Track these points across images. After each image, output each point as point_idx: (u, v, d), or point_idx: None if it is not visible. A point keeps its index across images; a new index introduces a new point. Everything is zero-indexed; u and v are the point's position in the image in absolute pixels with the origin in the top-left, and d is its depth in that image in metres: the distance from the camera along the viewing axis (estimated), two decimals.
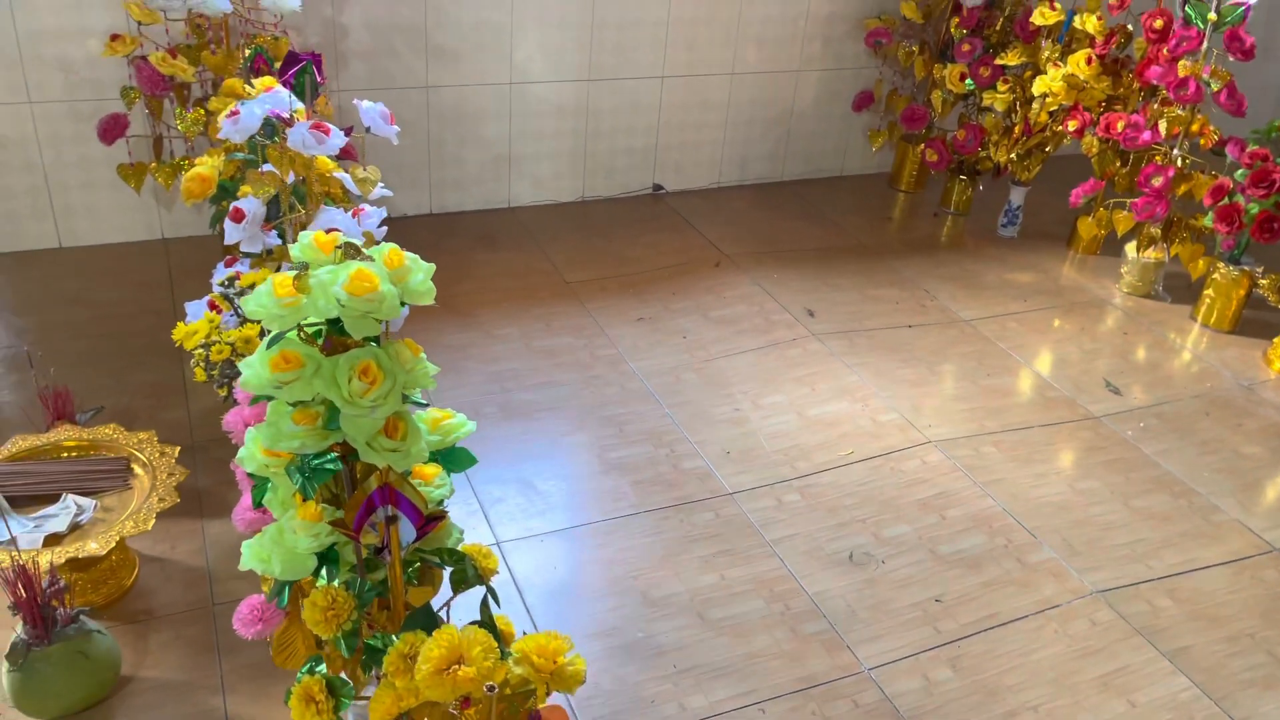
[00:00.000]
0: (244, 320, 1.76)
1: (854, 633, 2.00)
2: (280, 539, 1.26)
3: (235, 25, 2.76)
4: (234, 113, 1.83)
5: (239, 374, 1.67)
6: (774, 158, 4.00)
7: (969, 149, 3.67)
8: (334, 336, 1.26)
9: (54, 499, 1.89)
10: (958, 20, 3.62)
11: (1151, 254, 3.34)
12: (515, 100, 3.45)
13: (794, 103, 3.91)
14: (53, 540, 1.80)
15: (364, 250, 1.26)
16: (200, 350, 1.66)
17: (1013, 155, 3.61)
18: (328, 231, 1.79)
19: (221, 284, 1.77)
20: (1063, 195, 3.92)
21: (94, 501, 1.87)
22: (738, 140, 3.90)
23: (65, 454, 1.97)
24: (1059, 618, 2.07)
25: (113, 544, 1.75)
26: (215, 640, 1.87)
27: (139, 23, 2.61)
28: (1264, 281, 3.07)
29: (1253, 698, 1.91)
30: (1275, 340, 3.05)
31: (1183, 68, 3.09)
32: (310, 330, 1.26)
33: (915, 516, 2.32)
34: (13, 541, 1.72)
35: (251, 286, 1.74)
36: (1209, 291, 3.22)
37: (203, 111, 2.67)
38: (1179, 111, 3.17)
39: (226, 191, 2.24)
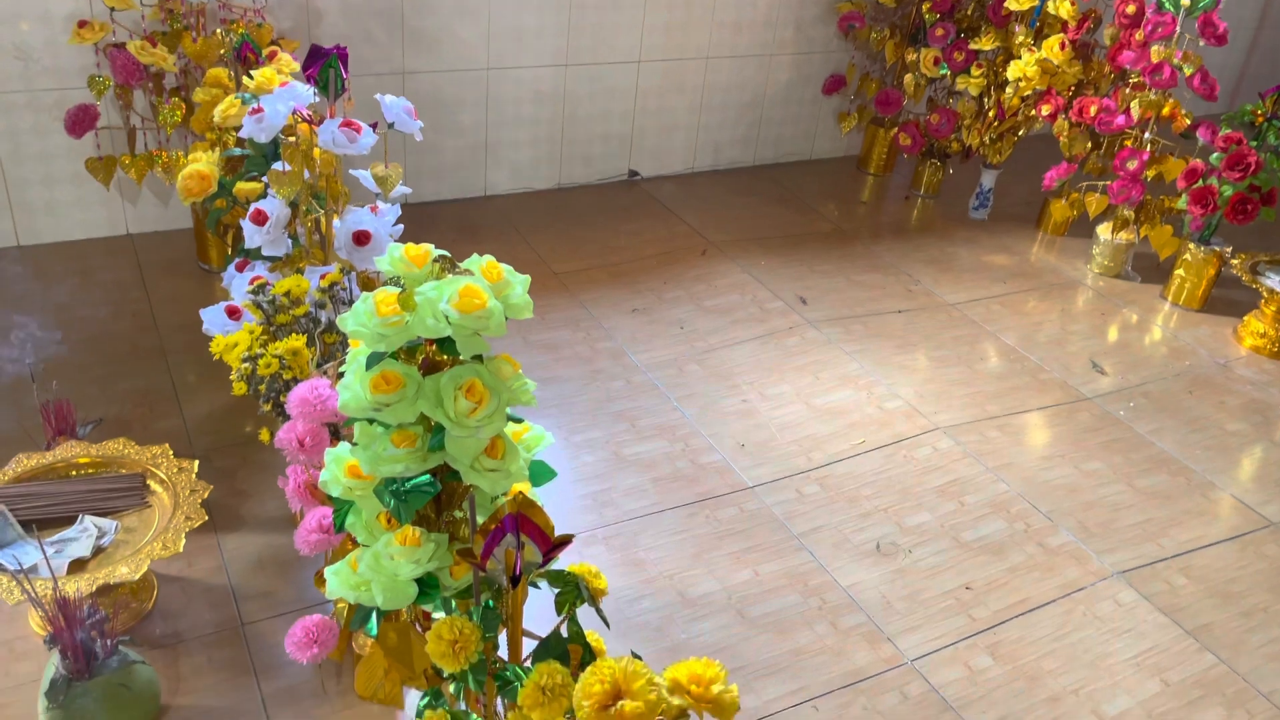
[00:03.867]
0: (276, 329, 1.67)
1: (892, 624, 2.02)
2: (379, 566, 1.20)
3: (212, 10, 2.62)
4: (257, 110, 1.74)
5: (287, 388, 1.59)
6: (746, 142, 3.99)
7: (943, 133, 3.71)
8: (431, 356, 1.20)
9: (68, 522, 1.78)
10: (929, 4, 3.65)
11: (1123, 235, 3.43)
12: (493, 86, 3.36)
13: (766, 87, 3.90)
14: (76, 566, 1.69)
15: (459, 264, 1.21)
16: (245, 365, 1.57)
17: (985, 139, 3.66)
18: (362, 237, 1.72)
19: (251, 291, 1.68)
20: (1029, 177, 4.01)
21: (115, 523, 1.77)
22: (711, 125, 3.87)
23: (75, 472, 1.86)
24: (1085, 600, 2.12)
25: (143, 568, 1.66)
26: (250, 662, 1.79)
27: (111, 8, 2.46)
28: (1235, 261, 3.18)
29: (1276, 671, 1.98)
30: (1245, 318, 3.17)
31: (1156, 53, 3.16)
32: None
33: (934, 504, 2.34)
34: (35, 570, 1.62)
35: (287, 294, 1.65)
36: (1180, 271, 3.32)
37: (181, 102, 2.53)
38: (1151, 96, 3.24)
39: (224, 189, 2.14)
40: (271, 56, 2.47)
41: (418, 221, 3.33)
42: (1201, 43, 3.15)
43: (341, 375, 1.58)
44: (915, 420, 2.62)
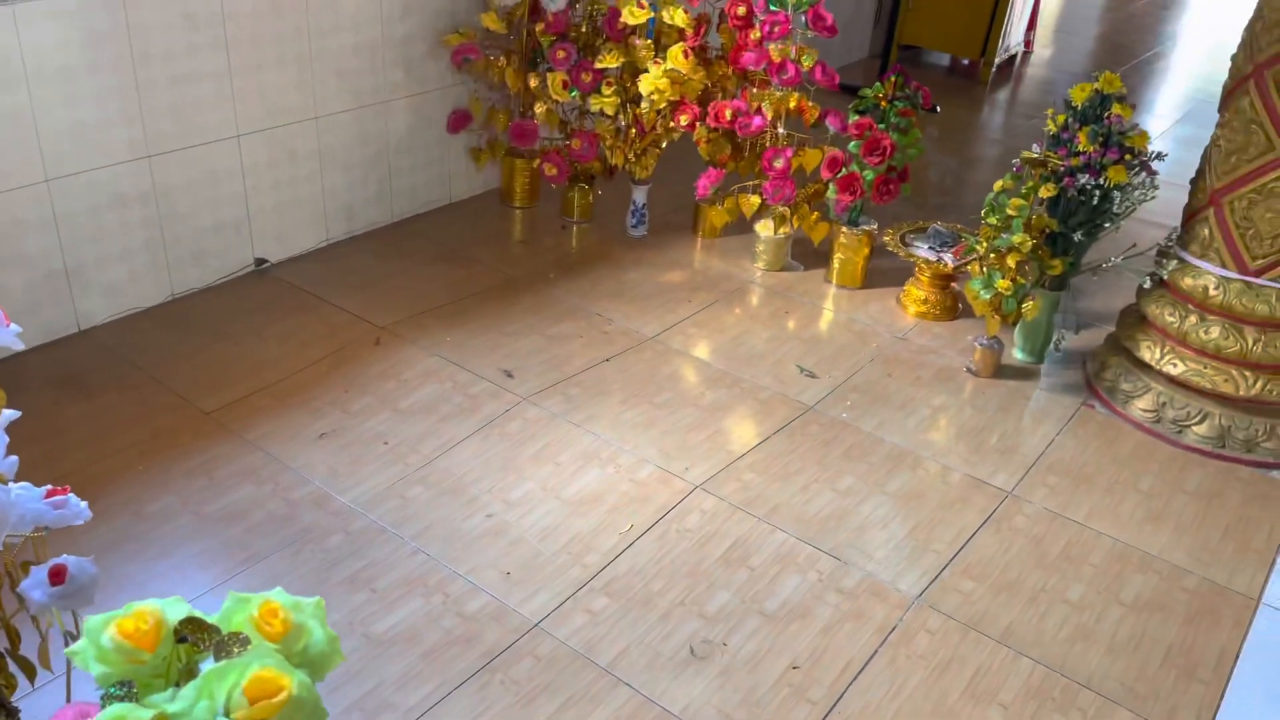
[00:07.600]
0: None
1: None
2: None
3: None
4: None
5: None
6: (381, 199, 3.57)
7: (587, 157, 3.55)
8: None
9: None
10: (542, 26, 3.44)
11: (782, 231, 3.48)
12: (58, 200, 2.67)
13: (388, 136, 3.50)
14: None
15: (209, 622, 0.79)
16: None
17: (630, 156, 3.56)
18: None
19: None
20: (676, 185, 3.98)
21: None
22: (338, 188, 3.41)
23: None
24: (901, 641, 2.06)
25: None
26: None
27: None
28: (886, 237, 3.34)
29: (1078, 653, 2.06)
30: (905, 287, 3.35)
31: (776, 51, 3.20)
32: None
33: (726, 578, 2.18)
34: None
35: None
36: (839, 255, 3.44)
37: None
38: (777, 93, 3.30)
39: None
40: None
41: None
42: (811, 34, 3.23)
43: None
44: (671, 484, 2.44)
